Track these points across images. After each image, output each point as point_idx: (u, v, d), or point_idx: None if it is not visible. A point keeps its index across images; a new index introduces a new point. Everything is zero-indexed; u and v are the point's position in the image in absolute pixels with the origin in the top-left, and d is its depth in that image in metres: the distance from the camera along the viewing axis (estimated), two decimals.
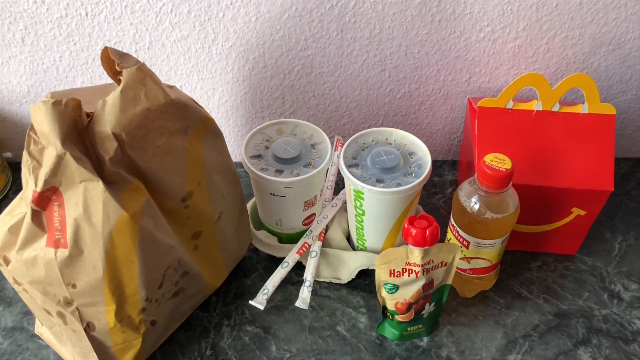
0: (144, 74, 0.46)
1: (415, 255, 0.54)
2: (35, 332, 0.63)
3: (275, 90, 0.77)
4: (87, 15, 0.68)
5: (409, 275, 0.56)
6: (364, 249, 0.69)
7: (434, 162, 0.84)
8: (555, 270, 0.70)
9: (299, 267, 0.68)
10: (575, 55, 0.73)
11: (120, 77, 0.47)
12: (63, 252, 0.47)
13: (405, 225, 0.54)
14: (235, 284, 0.69)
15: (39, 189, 0.45)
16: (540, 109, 0.65)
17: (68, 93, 0.49)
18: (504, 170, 0.55)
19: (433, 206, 0.79)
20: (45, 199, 0.46)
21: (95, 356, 0.54)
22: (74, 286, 0.49)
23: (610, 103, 0.65)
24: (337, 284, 0.69)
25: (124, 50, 0.71)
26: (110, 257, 0.48)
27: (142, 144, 0.48)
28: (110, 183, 0.47)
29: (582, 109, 0.64)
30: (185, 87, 0.76)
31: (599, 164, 0.63)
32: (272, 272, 0.64)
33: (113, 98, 0.45)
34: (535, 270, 0.70)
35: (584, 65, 0.74)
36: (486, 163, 0.55)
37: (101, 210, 0.46)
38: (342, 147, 0.64)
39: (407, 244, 0.54)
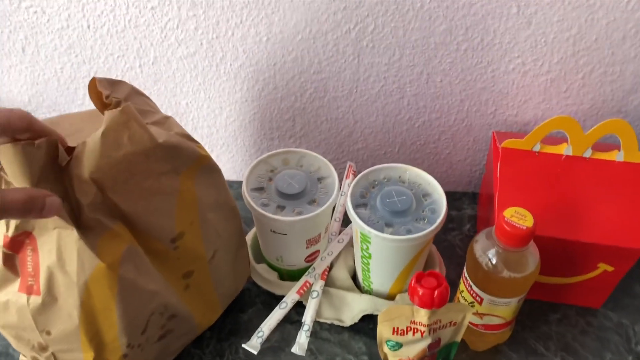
0: (127, 116, 0.41)
1: (422, 315, 0.50)
2: None
3: (286, 113, 0.72)
4: (89, 27, 0.64)
5: (413, 335, 0.51)
6: (370, 291, 0.64)
7: (452, 194, 0.79)
8: (576, 325, 0.65)
9: (300, 304, 0.64)
10: (614, 92, 0.66)
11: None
12: (36, 300, 0.44)
13: (412, 284, 0.49)
14: (231, 319, 0.65)
15: (10, 234, 0.42)
16: (571, 154, 0.59)
17: (55, 121, 0.45)
18: (524, 228, 0.50)
19: (449, 244, 0.73)
20: (18, 243, 0.43)
21: None
22: (48, 333, 0.46)
23: None
24: (338, 326, 0.64)
25: (127, 65, 0.68)
26: (87, 306, 0.44)
27: (126, 187, 0.44)
28: (88, 229, 0.43)
29: (617, 156, 0.58)
30: (191, 105, 0.72)
31: (631, 218, 0.57)
32: (271, 308, 0.60)
33: (93, 142, 0.41)
34: (554, 323, 0.65)
35: (622, 103, 0.67)
36: (505, 219, 0.50)
37: (75, 259, 0.42)
38: (353, 175, 0.59)
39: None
